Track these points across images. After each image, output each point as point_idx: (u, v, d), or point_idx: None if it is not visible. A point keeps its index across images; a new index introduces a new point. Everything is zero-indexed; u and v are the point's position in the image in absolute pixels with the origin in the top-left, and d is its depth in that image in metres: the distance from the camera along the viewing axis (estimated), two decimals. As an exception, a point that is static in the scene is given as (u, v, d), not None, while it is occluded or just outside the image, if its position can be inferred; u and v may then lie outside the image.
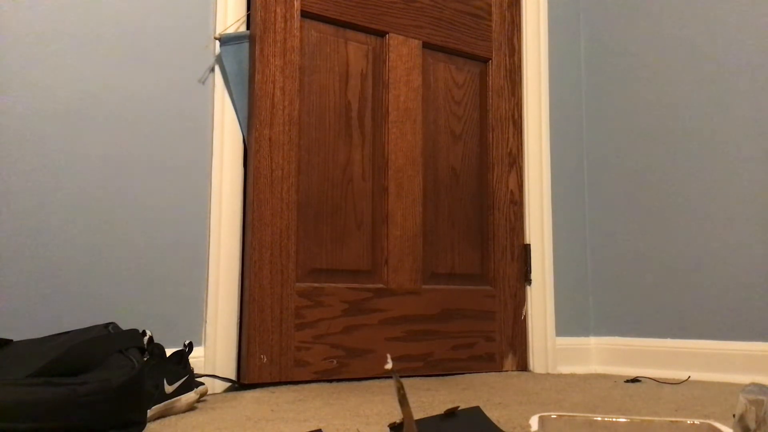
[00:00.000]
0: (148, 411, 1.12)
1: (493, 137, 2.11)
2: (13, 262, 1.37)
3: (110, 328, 1.23)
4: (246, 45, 1.70)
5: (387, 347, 1.81)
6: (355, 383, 1.69)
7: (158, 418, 1.17)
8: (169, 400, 1.20)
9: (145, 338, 1.19)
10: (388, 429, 0.96)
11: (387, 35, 1.92)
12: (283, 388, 1.58)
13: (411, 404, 1.34)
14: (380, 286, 1.84)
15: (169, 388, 1.19)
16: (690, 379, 1.91)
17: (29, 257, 1.39)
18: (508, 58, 2.18)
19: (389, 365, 0.61)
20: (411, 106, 1.94)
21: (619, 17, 2.29)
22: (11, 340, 1.25)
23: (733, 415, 0.75)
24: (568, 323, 2.20)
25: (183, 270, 1.58)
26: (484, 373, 1.95)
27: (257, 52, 1.69)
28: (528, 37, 2.21)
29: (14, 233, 1.38)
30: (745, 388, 0.74)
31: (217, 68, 1.67)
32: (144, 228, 1.54)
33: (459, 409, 0.94)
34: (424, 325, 1.89)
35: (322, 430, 1.03)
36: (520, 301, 2.10)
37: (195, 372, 1.41)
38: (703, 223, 2.01)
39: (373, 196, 1.86)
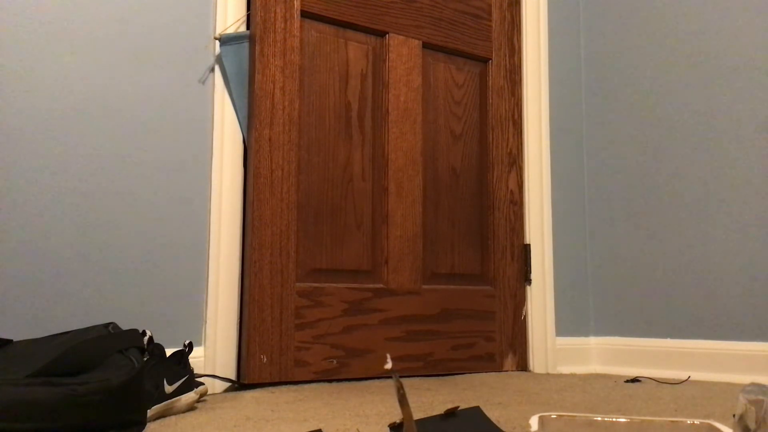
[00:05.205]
0: (148, 411, 1.12)
1: (493, 137, 2.11)
2: (13, 262, 1.37)
3: (110, 328, 1.23)
4: (246, 45, 1.70)
5: (387, 347, 1.81)
6: (355, 383, 1.69)
7: (158, 418, 1.17)
8: (169, 400, 1.20)
9: (145, 338, 1.19)
10: (388, 429, 0.96)
11: (387, 35, 1.92)
12: (283, 388, 1.58)
13: (411, 404, 1.34)
14: (380, 286, 1.84)
15: (169, 388, 1.19)
16: (690, 379, 1.91)
17: (29, 257, 1.39)
18: (508, 58, 2.18)
19: (389, 365, 0.61)
20: (411, 106, 1.94)
21: (619, 17, 2.29)
22: (11, 340, 1.25)
23: (733, 415, 0.75)
24: (568, 323, 2.20)
25: (183, 270, 1.58)
26: (484, 373, 1.95)
27: (257, 52, 1.69)
28: (528, 37, 2.21)
29: (14, 233, 1.38)
30: (745, 388, 0.74)
31: (217, 68, 1.67)
32: (144, 228, 1.54)
33: (459, 409, 0.94)
34: (424, 325, 1.89)
35: (322, 430, 1.03)
36: (520, 301, 2.10)
37: (195, 372, 1.41)
38: (704, 223, 2.01)
39: (373, 196, 1.86)
